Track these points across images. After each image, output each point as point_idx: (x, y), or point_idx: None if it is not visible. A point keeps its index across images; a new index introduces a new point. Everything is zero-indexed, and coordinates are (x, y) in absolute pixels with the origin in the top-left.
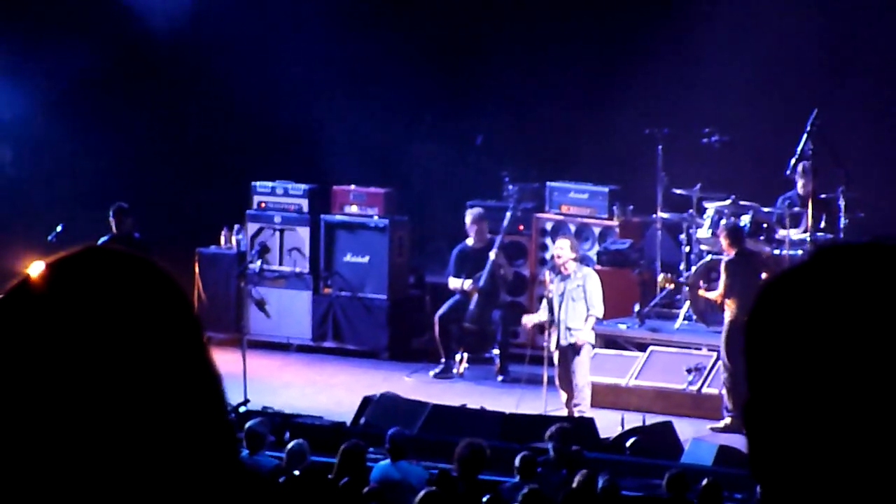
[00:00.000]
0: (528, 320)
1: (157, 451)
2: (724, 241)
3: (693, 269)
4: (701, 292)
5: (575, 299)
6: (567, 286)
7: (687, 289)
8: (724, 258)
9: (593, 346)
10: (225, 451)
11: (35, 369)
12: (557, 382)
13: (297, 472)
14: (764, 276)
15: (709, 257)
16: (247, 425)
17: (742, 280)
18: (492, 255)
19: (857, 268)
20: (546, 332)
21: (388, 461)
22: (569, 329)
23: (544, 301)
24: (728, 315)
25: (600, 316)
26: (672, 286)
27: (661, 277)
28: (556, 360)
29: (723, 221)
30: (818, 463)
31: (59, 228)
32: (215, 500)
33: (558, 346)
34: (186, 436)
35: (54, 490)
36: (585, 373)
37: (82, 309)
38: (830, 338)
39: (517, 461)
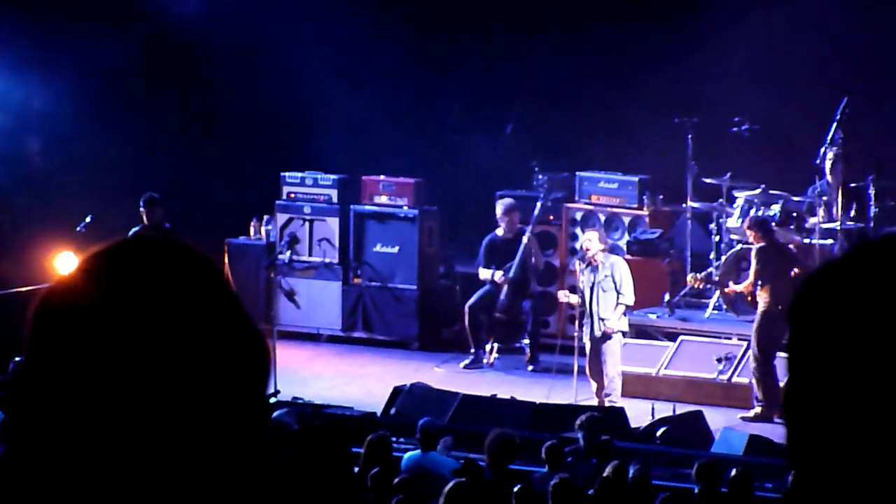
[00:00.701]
0: (563, 294)
1: (197, 434)
2: (751, 234)
3: (723, 258)
4: (730, 289)
5: (605, 290)
6: (597, 277)
7: (716, 286)
8: (755, 246)
9: (625, 335)
10: (258, 431)
11: (84, 354)
12: (588, 372)
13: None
14: (794, 266)
15: (738, 247)
16: (272, 416)
17: (773, 269)
18: (525, 238)
19: None
20: (577, 322)
21: (418, 451)
22: (602, 319)
23: (578, 291)
24: (760, 305)
25: (630, 304)
26: (701, 286)
27: (690, 277)
28: (587, 350)
29: (752, 211)
30: (857, 452)
31: (87, 219)
32: (246, 478)
33: (591, 335)
34: (224, 416)
35: (95, 470)
36: (617, 362)
37: (129, 298)
38: (877, 329)
39: (543, 451)
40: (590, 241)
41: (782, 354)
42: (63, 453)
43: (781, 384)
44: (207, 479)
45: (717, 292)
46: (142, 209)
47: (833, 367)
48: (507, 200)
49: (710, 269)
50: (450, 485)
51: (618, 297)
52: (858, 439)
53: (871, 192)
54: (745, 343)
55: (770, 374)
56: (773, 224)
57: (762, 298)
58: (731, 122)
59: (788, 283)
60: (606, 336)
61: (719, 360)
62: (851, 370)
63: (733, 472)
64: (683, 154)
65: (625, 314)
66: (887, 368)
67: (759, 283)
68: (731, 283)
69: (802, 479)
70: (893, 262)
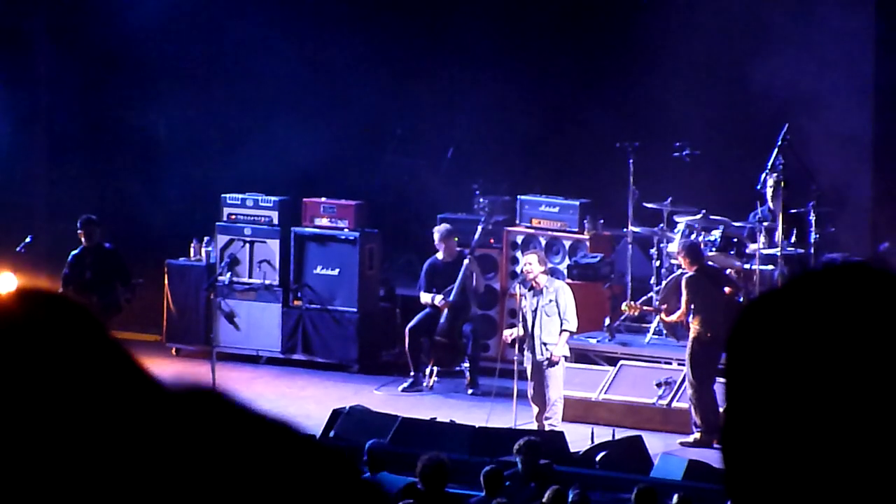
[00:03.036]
0: (508, 335)
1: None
2: (682, 260)
3: (663, 283)
4: (663, 317)
5: (549, 314)
6: (540, 301)
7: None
8: (685, 275)
9: (566, 360)
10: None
11: None
12: (531, 396)
13: None
14: (727, 290)
15: (679, 271)
16: None
17: (704, 297)
18: (465, 261)
19: (842, 290)
20: (517, 347)
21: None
22: (544, 344)
23: (519, 315)
24: (691, 332)
25: (574, 330)
26: (636, 312)
27: (624, 305)
28: (529, 375)
29: (693, 237)
30: (796, 485)
31: (27, 239)
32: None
33: (533, 360)
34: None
35: None
36: (559, 387)
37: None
38: (814, 359)
39: (482, 477)
40: (530, 263)
41: (721, 379)
42: None
43: (720, 409)
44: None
45: (657, 317)
46: (80, 231)
47: (770, 397)
48: (443, 227)
49: (650, 295)
50: None
51: (561, 324)
52: (795, 470)
53: (812, 218)
54: (684, 368)
55: (707, 399)
56: (714, 250)
57: (693, 325)
58: (673, 147)
59: (719, 311)
60: (550, 361)
61: (659, 385)
62: (788, 400)
63: (675, 498)
64: (625, 178)
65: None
66: (824, 398)
67: (691, 310)
68: (663, 312)
69: None
70: (831, 290)
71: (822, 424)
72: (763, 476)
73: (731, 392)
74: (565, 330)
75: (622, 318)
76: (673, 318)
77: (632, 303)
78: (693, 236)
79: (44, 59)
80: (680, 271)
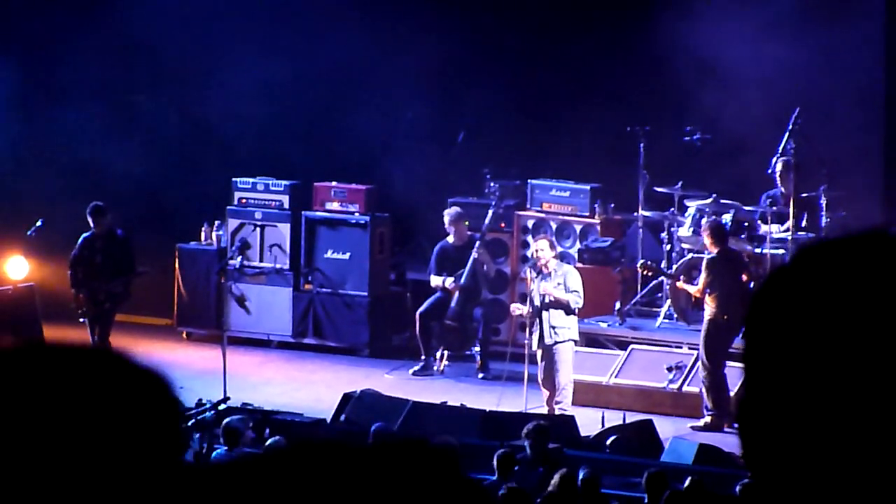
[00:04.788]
0: (515, 307)
1: None
2: (707, 239)
3: (674, 267)
4: (680, 284)
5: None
6: (548, 286)
7: (667, 281)
8: (707, 256)
9: (576, 343)
10: None
11: None
12: (541, 379)
13: None
14: (744, 276)
15: (689, 255)
16: (225, 421)
17: (723, 279)
18: (474, 252)
19: (858, 264)
20: (528, 330)
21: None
22: (553, 328)
23: (528, 297)
24: (707, 313)
25: (579, 305)
26: (651, 273)
27: (640, 263)
28: (539, 359)
29: (704, 220)
30: (814, 459)
31: (38, 223)
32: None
33: (541, 344)
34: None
35: None
36: (569, 371)
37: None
38: (832, 335)
39: (495, 459)
40: (542, 249)
41: (731, 363)
42: None
43: (731, 393)
44: None
45: (668, 301)
46: (89, 218)
47: (788, 373)
48: (453, 210)
49: (660, 279)
50: None
51: (569, 303)
52: (814, 446)
53: (823, 202)
54: (695, 352)
55: (719, 382)
56: None
57: (709, 307)
58: (684, 132)
59: (736, 293)
60: (558, 344)
61: (669, 369)
62: (805, 376)
63: (686, 483)
64: (636, 163)
65: (572, 313)
66: (840, 373)
67: (708, 291)
68: (682, 278)
69: (759, 486)
70: (842, 266)
71: (843, 399)
72: (782, 452)
73: (749, 370)
74: (570, 298)
75: (633, 301)
76: (690, 288)
77: (647, 262)
78: (704, 220)
79: (57, 43)
80: (690, 255)
